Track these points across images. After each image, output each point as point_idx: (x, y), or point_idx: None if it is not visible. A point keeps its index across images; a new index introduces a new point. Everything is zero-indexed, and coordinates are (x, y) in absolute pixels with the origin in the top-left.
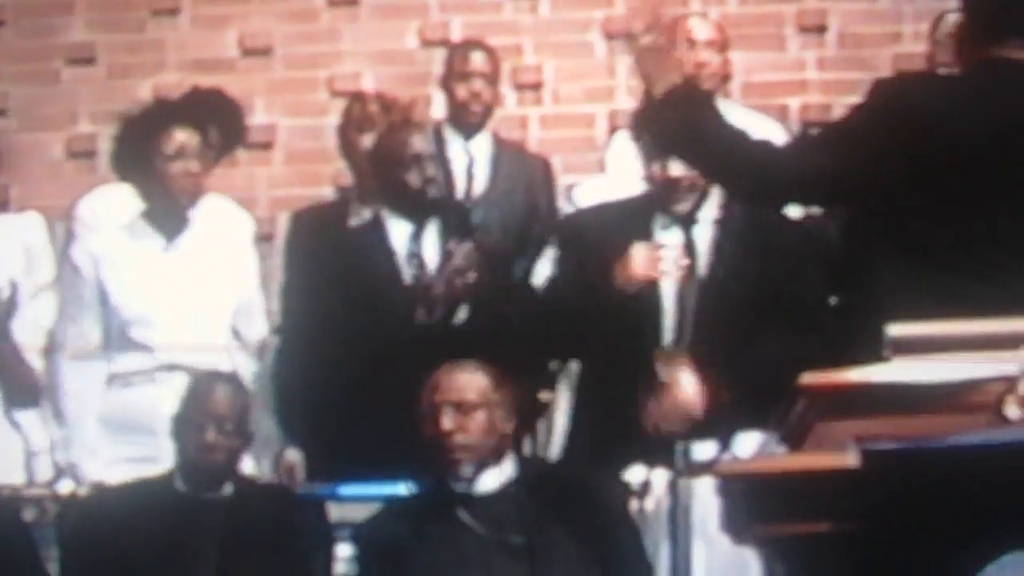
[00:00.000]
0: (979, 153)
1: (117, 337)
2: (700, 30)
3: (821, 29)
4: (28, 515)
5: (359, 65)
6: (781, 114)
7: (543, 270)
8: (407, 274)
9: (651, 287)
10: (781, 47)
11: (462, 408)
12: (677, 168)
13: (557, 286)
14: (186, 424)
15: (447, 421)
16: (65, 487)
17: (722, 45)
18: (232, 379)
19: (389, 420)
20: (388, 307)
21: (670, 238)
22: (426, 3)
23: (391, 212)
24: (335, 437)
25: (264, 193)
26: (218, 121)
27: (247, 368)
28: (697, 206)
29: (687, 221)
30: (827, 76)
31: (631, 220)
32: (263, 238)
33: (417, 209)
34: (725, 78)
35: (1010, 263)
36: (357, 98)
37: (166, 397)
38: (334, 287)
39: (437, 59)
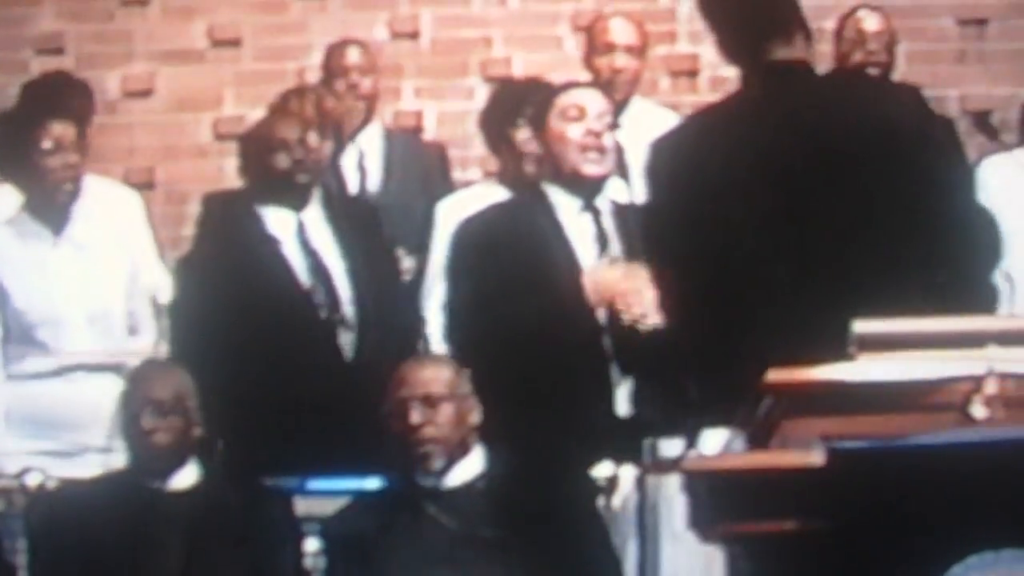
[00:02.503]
0: (779, 161)
1: (18, 338)
2: (620, 34)
3: None
4: None
5: None
6: None
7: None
8: (302, 264)
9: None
10: None
11: (430, 401)
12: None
13: (471, 295)
14: (125, 415)
15: (415, 415)
16: (32, 479)
17: (641, 49)
18: (167, 363)
19: (294, 409)
20: (285, 298)
21: (583, 228)
22: None
23: (265, 203)
24: (253, 431)
25: (233, 184)
26: (81, 105)
27: (144, 350)
28: (597, 195)
29: (594, 210)
30: None
31: (532, 219)
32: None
33: (289, 194)
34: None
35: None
36: (297, 92)
37: (73, 390)
38: (226, 278)
39: (407, 51)
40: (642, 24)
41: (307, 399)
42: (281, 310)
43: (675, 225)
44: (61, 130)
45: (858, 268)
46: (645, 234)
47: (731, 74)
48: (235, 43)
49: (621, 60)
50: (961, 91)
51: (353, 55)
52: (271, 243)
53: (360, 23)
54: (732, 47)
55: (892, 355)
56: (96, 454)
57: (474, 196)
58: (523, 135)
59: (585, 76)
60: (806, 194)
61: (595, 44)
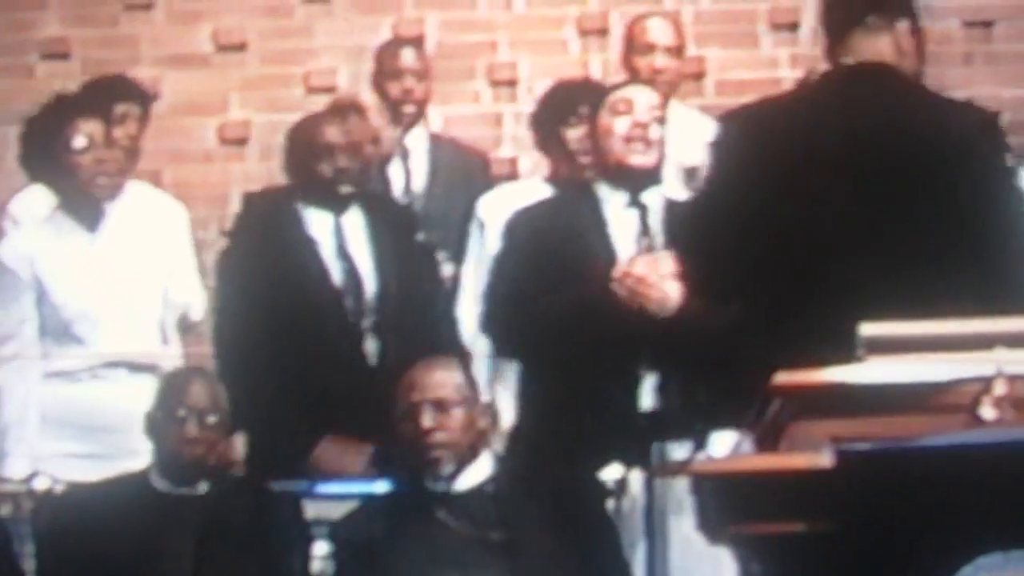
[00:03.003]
0: (837, 162)
1: (55, 334)
2: (660, 34)
3: (794, 26)
4: (3, 511)
5: (334, 61)
6: None
7: (471, 271)
8: (336, 267)
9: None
10: (754, 44)
11: (441, 406)
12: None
13: (516, 286)
14: (165, 419)
15: (427, 419)
16: (40, 483)
17: (680, 50)
18: (207, 373)
19: (318, 413)
20: (318, 300)
21: (627, 224)
22: None
23: (306, 203)
24: (278, 438)
25: (238, 189)
26: (122, 98)
27: (171, 358)
28: (644, 190)
29: (640, 205)
30: (800, 73)
31: (578, 213)
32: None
33: (330, 199)
34: (676, 83)
35: (891, 265)
36: (339, 114)
37: (111, 393)
38: (260, 280)
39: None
40: (680, 25)
41: (329, 403)
42: (309, 312)
43: (725, 216)
44: (92, 127)
45: (903, 272)
46: (693, 224)
47: (736, 77)
48: (240, 47)
49: (661, 60)
50: (968, 93)
51: (408, 57)
52: (308, 244)
53: (366, 27)
54: (826, 41)
55: (901, 357)
56: (132, 457)
57: (515, 191)
58: (574, 133)
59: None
60: (855, 197)
61: (634, 44)
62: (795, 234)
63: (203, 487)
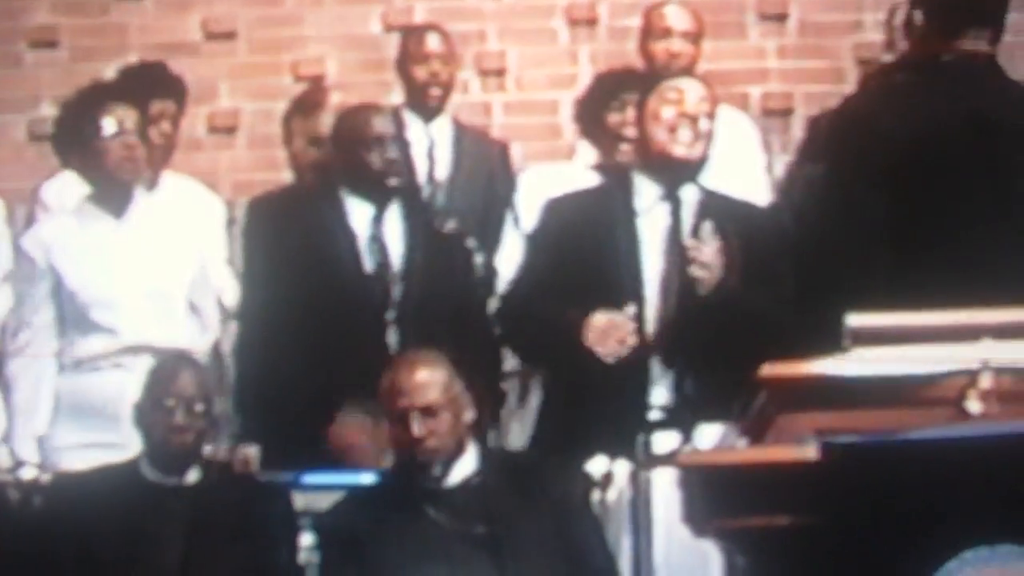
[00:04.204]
0: (936, 150)
1: (76, 322)
2: (677, 19)
3: (782, 17)
4: None
5: (323, 50)
6: (742, 102)
7: (506, 256)
8: (368, 258)
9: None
10: (742, 35)
11: (429, 411)
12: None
13: (533, 278)
14: (153, 407)
15: (416, 428)
16: (28, 473)
17: (697, 36)
18: (196, 361)
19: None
20: (349, 289)
21: (657, 217)
22: None
23: (350, 193)
24: (295, 425)
25: (227, 177)
26: (161, 95)
27: (205, 346)
28: (681, 185)
29: (674, 199)
30: (788, 64)
31: (610, 205)
32: (225, 222)
33: (377, 191)
34: (692, 68)
35: (975, 253)
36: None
37: (132, 382)
38: (294, 270)
39: None
40: (698, 12)
41: (346, 390)
42: (336, 300)
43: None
44: (123, 114)
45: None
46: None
47: (723, 68)
48: (230, 36)
49: (677, 45)
50: None
51: (433, 42)
52: (346, 233)
53: (355, 16)
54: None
55: (887, 349)
56: None
57: (558, 172)
58: (616, 119)
59: (578, 70)
60: (956, 185)
61: (651, 29)
62: (895, 223)
63: (192, 477)
